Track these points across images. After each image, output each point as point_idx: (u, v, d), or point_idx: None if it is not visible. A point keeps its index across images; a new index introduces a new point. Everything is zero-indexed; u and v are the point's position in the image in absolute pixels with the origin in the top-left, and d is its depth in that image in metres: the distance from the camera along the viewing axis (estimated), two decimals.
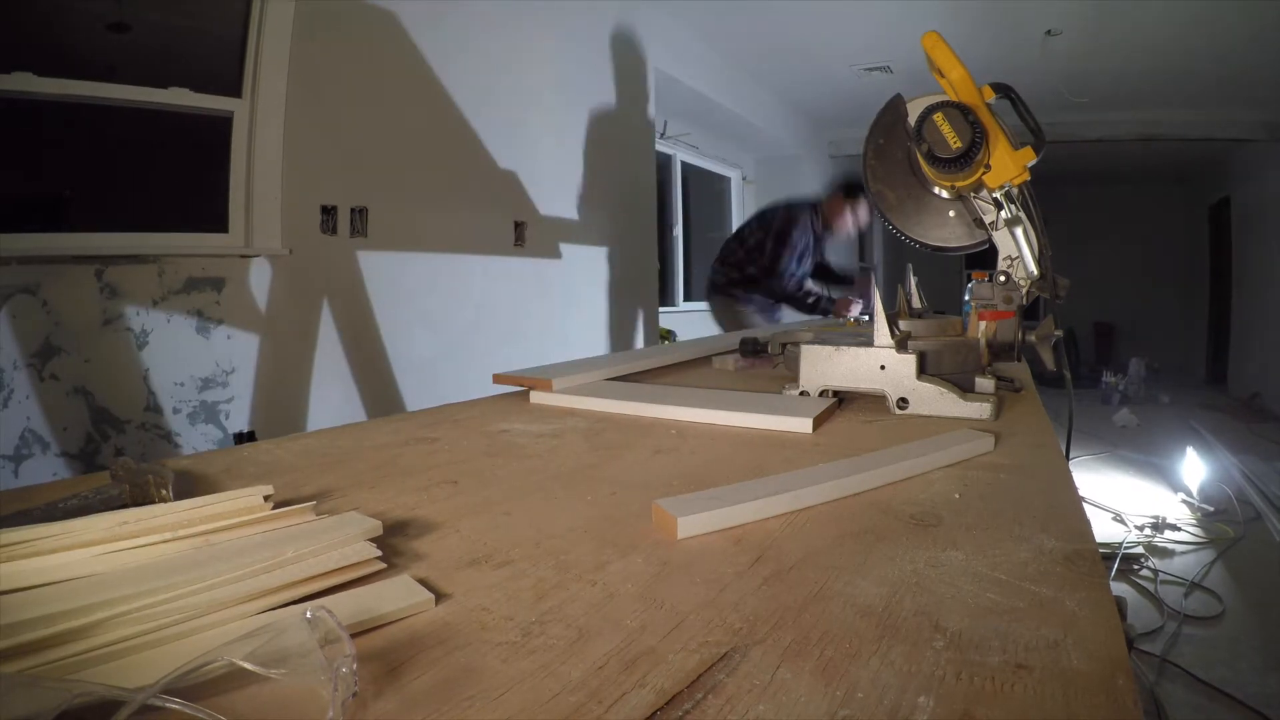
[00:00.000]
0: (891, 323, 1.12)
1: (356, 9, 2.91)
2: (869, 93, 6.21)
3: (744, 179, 7.79)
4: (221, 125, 2.62)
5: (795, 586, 0.49)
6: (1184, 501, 4.16)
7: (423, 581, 0.49)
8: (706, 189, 7.45)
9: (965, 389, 1.09)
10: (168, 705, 0.32)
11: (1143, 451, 5.37)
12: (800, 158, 7.72)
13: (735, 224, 7.61)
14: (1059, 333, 1.23)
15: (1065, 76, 5.70)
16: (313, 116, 2.76)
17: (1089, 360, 10.35)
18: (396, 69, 3.08)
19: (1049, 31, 4.97)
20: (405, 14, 3.07)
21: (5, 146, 2.34)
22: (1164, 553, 3.48)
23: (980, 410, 1.02)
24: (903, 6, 4.69)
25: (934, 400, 1.05)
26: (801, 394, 1.15)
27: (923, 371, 1.08)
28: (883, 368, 1.09)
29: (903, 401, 1.07)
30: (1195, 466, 4.35)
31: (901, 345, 1.08)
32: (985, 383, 1.14)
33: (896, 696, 0.35)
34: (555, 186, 3.95)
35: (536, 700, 0.36)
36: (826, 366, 1.13)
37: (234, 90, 2.62)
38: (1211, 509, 4.01)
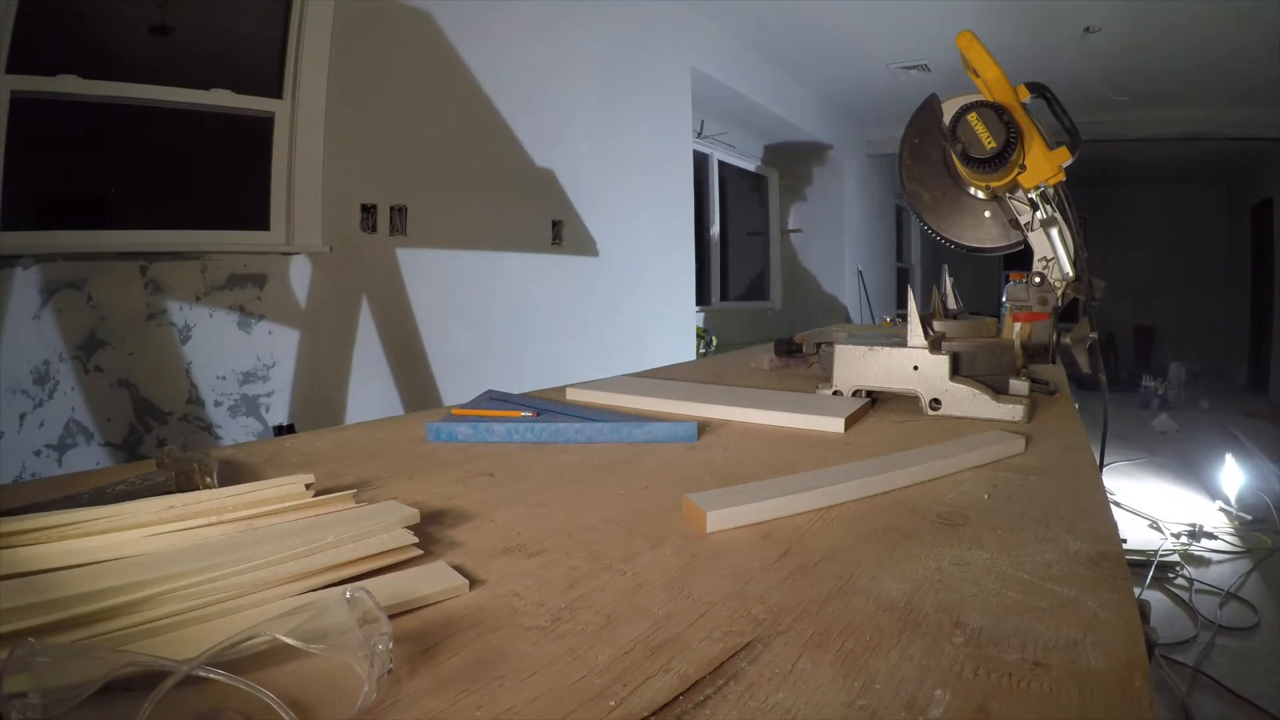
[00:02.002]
0: (926, 323, 1.12)
1: (394, 10, 2.95)
2: (906, 91, 6.15)
3: (782, 178, 7.75)
4: (263, 125, 2.67)
5: (819, 581, 0.50)
6: (1222, 509, 4.08)
7: (458, 568, 0.50)
8: (743, 188, 7.42)
9: (999, 390, 1.08)
10: (211, 676, 0.34)
11: (1181, 458, 5.27)
12: (839, 157, 7.67)
13: (773, 223, 7.58)
14: (1094, 335, 1.22)
15: (1105, 74, 5.61)
16: (352, 117, 2.80)
17: (1128, 364, 10.17)
18: (435, 69, 3.12)
19: (1088, 28, 4.90)
20: (442, 14, 3.10)
21: (52, 147, 2.40)
22: (1200, 561, 3.41)
23: (1013, 412, 1.02)
24: (940, 5, 4.65)
25: (967, 402, 1.05)
26: (835, 394, 1.16)
27: (956, 373, 1.08)
28: (916, 368, 1.09)
29: (935, 402, 1.08)
30: (1234, 474, 4.26)
31: (935, 346, 1.08)
32: (1019, 384, 1.13)
33: (914, 689, 0.36)
34: (593, 185, 3.97)
35: (564, 682, 0.37)
36: (860, 366, 1.14)
37: (275, 91, 2.67)
38: (1249, 518, 3.92)
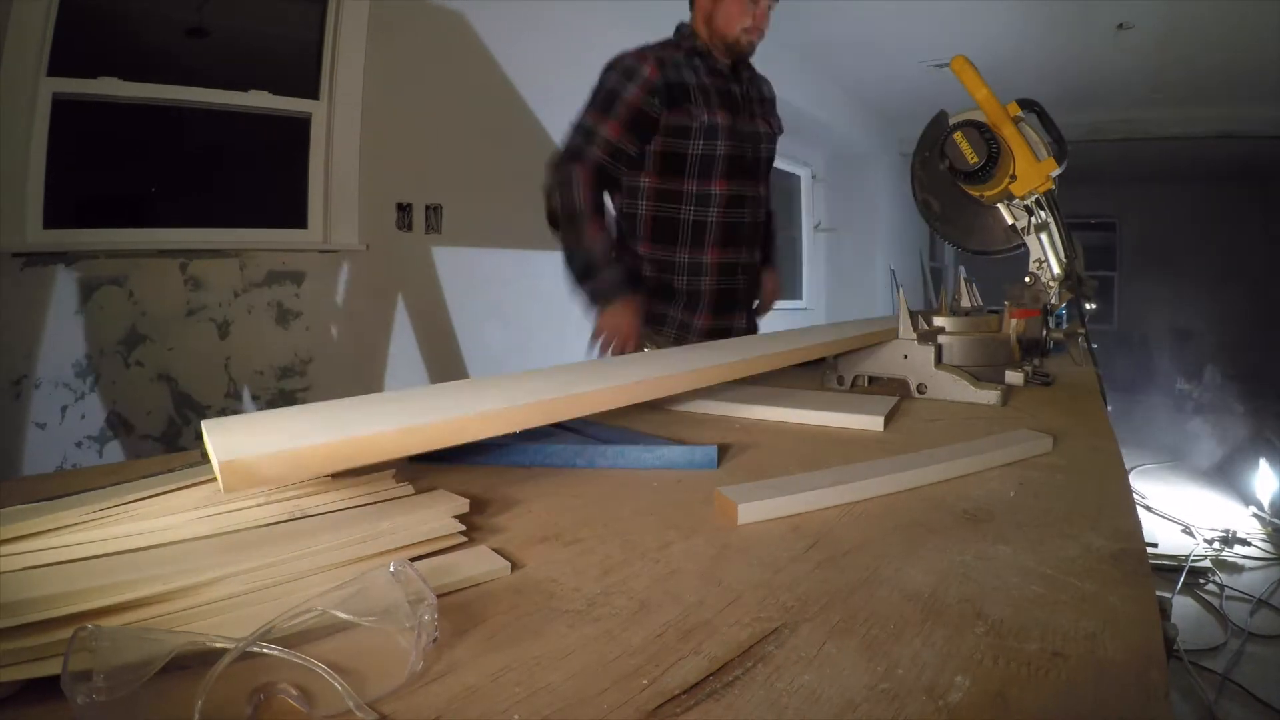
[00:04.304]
0: (926, 319, 1.24)
1: (428, 11, 2.98)
2: (939, 90, 6.08)
3: (814, 177, 7.68)
4: (300, 126, 2.71)
5: (846, 571, 0.51)
6: (1255, 515, 4.01)
7: (498, 553, 0.53)
8: (775, 187, 7.35)
9: (995, 381, 1.18)
10: (265, 651, 0.36)
11: (1215, 462, 5.18)
12: (871, 155, 7.61)
13: (805, 222, 7.51)
14: (1082, 330, 1.38)
15: (1138, 72, 5.50)
16: (388, 117, 2.84)
17: (1162, 366, 9.99)
18: (468, 69, 3.14)
19: (1120, 25, 4.83)
20: (475, 15, 3.13)
21: (94, 147, 2.45)
22: (1232, 567, 3.36)
23: (989, 397, 1.12)
24: (972, 3, 4.60)
25: (949, 387, 1.16)
26: (838, 380, 1.26)
27: (942, 362, 1.18)
28: (906, 357, 1.19)
29: (922, 387, 1.18)
30: (1268, 479, 4.18)
31: (923, 339, 1.18)
32: (1015, 375, 1.25)
33: (934, 674, 0.37)
34: None
35: (598, 661, 0.39)
36: (859, 356, 1.24)
37: (312, 93, 2.71)
38: None
